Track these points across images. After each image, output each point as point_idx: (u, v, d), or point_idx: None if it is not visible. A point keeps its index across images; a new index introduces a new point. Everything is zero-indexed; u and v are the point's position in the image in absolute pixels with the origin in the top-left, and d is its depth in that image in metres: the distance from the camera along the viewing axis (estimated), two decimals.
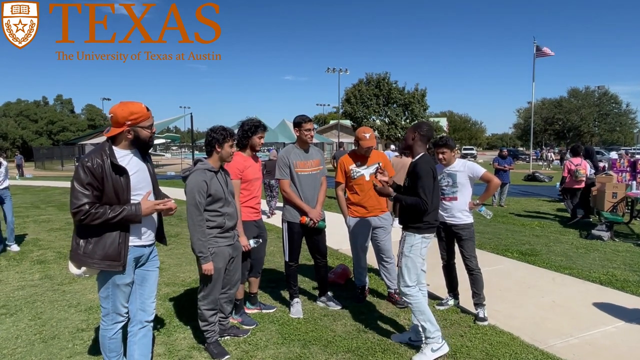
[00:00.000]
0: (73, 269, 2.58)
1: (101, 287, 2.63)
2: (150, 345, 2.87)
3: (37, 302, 4.54)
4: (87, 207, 2.42)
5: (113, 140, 2.60)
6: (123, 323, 2.72)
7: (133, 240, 2.63)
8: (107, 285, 2.61)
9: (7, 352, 3.44)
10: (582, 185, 8.99)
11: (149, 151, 2.84)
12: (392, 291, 4.42)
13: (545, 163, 34.28)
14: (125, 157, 2.59)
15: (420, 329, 3.28)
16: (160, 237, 2.89)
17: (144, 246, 2.71)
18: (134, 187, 2.59)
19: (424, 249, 3.37)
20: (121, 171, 2.52)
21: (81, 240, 2.52)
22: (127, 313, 2.73)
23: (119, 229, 2.53)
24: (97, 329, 3.79)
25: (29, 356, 3.38)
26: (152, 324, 2.85)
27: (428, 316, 3.25)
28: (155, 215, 2.76)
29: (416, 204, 3.20)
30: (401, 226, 3.48)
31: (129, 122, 2.54)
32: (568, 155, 26.60)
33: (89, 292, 4.83)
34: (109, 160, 2.49)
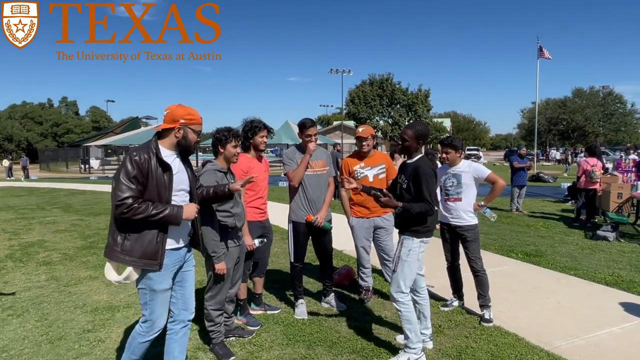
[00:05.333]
0: (112, 275, 2.56)
1: (140, 294, 2.63)
2: (187, 342, 2.91)
3: (43, 303, 4.57)
4: (130, 200, 2.41)
5: (159, 136, 2.64)
6: (157, 335, 2.70)
7: (171, 244, 2.62)
8: (145, 291, 2.60)
9: (15, 353, 3.47)
10: (597, 186, 8.92)
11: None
12: None
13: (568, 166, 27.86)
14: (169, 157, 2.62)
15: (404, 336, 3.26)
16: (194, 241, 2.89)
17: (180, 248, 2.71)
18: (175, 187, 2.60)
19: (422, 253, 3.30)
20: (166, 167, 2.55)
21: (119, 237, 2.50)
22: (165, 326, 2.72)
23: (157, 229, 2.52)
24: (103, 330, 3.82)
25: (35, 357, 3.40)
26: (191, 322, 2.89)
27: (414, 326, 3.20)
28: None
29: (425, 211, 3.14)
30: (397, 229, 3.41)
31: (183, 121, 2.60)
32: (571, 153, 26.13)
33: (94, 293, 4.86)
34: (155, 157, 2.52)
